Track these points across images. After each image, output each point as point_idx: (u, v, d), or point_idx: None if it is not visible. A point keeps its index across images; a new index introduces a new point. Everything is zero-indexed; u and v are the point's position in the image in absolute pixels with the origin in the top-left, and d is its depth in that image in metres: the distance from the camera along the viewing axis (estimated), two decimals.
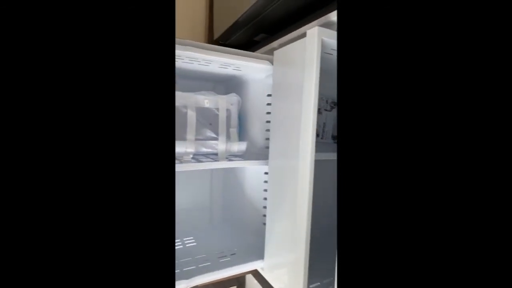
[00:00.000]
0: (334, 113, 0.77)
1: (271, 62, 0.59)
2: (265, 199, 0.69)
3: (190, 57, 0.53)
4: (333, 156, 0.60)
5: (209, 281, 0.56)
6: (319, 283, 0.56)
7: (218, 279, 0.76)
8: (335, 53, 0.52)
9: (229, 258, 0.62)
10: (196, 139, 0.60)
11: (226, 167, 0.62)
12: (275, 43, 0.62)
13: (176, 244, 0.69)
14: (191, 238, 0.73)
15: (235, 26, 0.75)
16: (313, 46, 0.46)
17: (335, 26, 0.47)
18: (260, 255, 0.61)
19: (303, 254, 0.47)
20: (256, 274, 0.71)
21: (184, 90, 0.61)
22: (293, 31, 0.57)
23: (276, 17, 0.64)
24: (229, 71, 0.64)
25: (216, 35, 0.85)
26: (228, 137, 0.64)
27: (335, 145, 0.75)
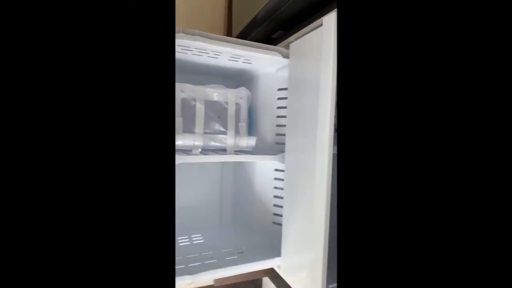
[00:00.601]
0: None
1: (282, 54, 0.57)
2: (276, 197, 0.67)
3: (199, 48, 0.52)
4: None
5: (214, 278, 0.54)
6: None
7: (232, 282, 0.75)
8: None
9: (236, 256, 0.60)
10: (205, 133, 0.59)
11: (234, 160, 0.60)
12: (292, 38, 0.61)
13: (183, 240, 0.68)
14: (199, 235, 0.71)
15: (253, 23, 0.75)
16: (330, 34, 0.44)
17: None
18: (270, 254, 0.59)
19: (321, 253, 0.44)
20: (271, 273, 0.68)
21: (193, 84, 0.61)
22: (310, 24, 0.55)
23: (293, 12, 0.64)
24: (239, 64, 0.63)
25: (235, 33, 0.85)
26: (237, 132, 0.63)
27: None
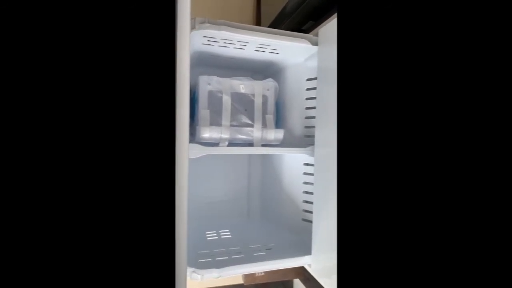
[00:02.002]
0: None
1: (311, 41, 0.54)
2: (305, 192, 0.64)
3: (225, 39, 0.52)
4: None
5: (241, 273, 0.53)
6: None
7: (262, 282, 0.73)
8: None
9: (264, 253, 0.58)
10: (231, 125, 0.58)
11: (261, 153, 0.59)
12: (321, 27, 0.58)
13: (211, 235, 0.68)
14: (227, 230, 0.71)
15: (282, 15, 0.73)
16: None
17: None
18: (300, 252, 0.56)
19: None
20: (302, 274, 0.65)
21: None
22: None
23: (323, 0, 0.60)
24: (266, 55, 0.61)
25: (264, 25, 0.84)
26: (264, 124, 0.61)
27: None
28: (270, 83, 0.63)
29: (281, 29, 0.54)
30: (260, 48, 0.57)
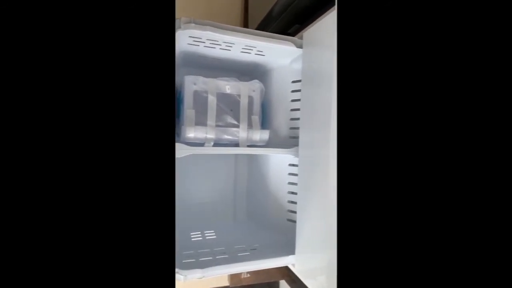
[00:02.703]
0: None
1: (296, 44, 0.55)
2: (290, 193, 0.64)
3: (210, 39, 0.52)
4: None
5: (225, 273, 0.53)
6: None
7: (248, 283, 0.73)
8: None
9: (248, 253, 0.58)
10: (217, 125, 0.58)
11: (246, 153, 0.59)
12: (305, 30, 0.59)
13: (195, 236, 0.67)
14: (212, 231, 0.70)
15: (269, 18, 0.74)
16: None
17: None
18: (284, 252, 0.57)
19: (336, 252, 0.42)
20: (288, 275, 0.65)
21: None
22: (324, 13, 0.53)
23: (309, 4, 0.62)
24: (252, 57, 0.62)
25: (251, 28, 0.85)
26: (250, 125, 0.61)
27: None
28: (256, 84, 0.63)
29: (267, 31, 0.55)
30: (246, 49, 0.57)
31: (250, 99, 0.63)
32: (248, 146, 0.61)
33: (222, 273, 0.52)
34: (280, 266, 0.57)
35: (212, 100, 0.58)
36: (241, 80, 0.65)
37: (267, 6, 0.74)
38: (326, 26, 0.47)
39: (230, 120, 0.60)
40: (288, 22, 0.70)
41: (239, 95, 0.61)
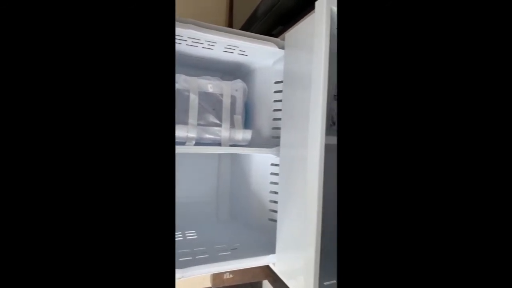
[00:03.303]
0: None
1: (278, 45, 0.56)
2: (272, 192, 0.65)
3: (192, 38, 0.52)
4: None
5: (205, 273, 0.52)
6: (335, 281, 0.50)
7: (230, 284, 0.72)
8: None
9: (229, 252, 0.58)
10: (199, 124, 0.58)
11: (228, 152, 0.59)
12: (288, 31, 0.60)
13: (176, 236, 0.67)
14: (193, 231, 0.70)
15: (253, 18, 0.75)
16: (321, 21, 0.42)
17: None
18: (265, 251, 0.57)
19: (314, 251, 0.42)
20: (270, 275, 0.66)
21: None
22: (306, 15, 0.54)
23: (292, 6, 0.63)
24: (235, 56, 0.62)
25: (236, 28, 0.85)
26: (232, 125, 0.61)
27: None
28: (239, 84, 0.64)
29: (251, 32, 0.55)
30: (229, 49, 0.57)
31: (233, 98, 0.63)
32: (231, 145, 0.61)
33: (202, 273, 0.51)
34: (261, 265, 0.57)
35: (194, 98, 0.57)
36: (224, 79, 0.65)
37: (252, 8, 0.74)
38: (306, 28, 0.48)
39: (213, 119, 0.59)
40: (272, 23, 0.71)
41: (221, 95, 0.61)
